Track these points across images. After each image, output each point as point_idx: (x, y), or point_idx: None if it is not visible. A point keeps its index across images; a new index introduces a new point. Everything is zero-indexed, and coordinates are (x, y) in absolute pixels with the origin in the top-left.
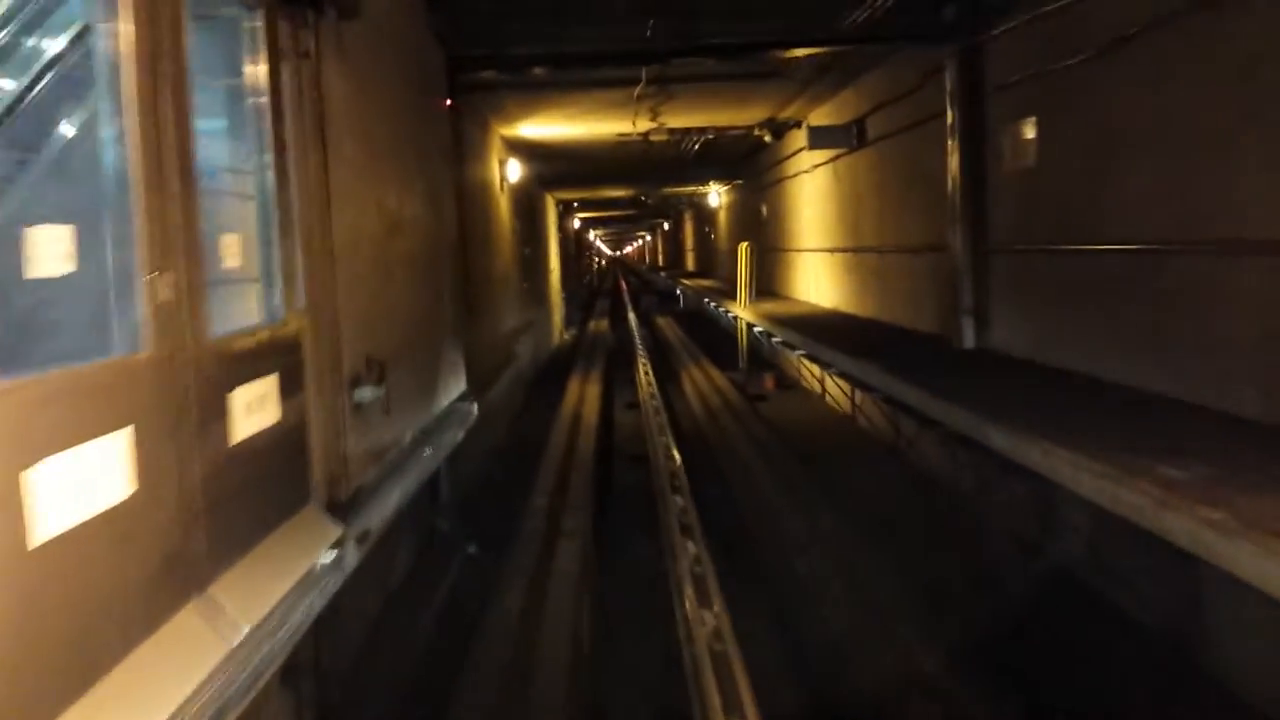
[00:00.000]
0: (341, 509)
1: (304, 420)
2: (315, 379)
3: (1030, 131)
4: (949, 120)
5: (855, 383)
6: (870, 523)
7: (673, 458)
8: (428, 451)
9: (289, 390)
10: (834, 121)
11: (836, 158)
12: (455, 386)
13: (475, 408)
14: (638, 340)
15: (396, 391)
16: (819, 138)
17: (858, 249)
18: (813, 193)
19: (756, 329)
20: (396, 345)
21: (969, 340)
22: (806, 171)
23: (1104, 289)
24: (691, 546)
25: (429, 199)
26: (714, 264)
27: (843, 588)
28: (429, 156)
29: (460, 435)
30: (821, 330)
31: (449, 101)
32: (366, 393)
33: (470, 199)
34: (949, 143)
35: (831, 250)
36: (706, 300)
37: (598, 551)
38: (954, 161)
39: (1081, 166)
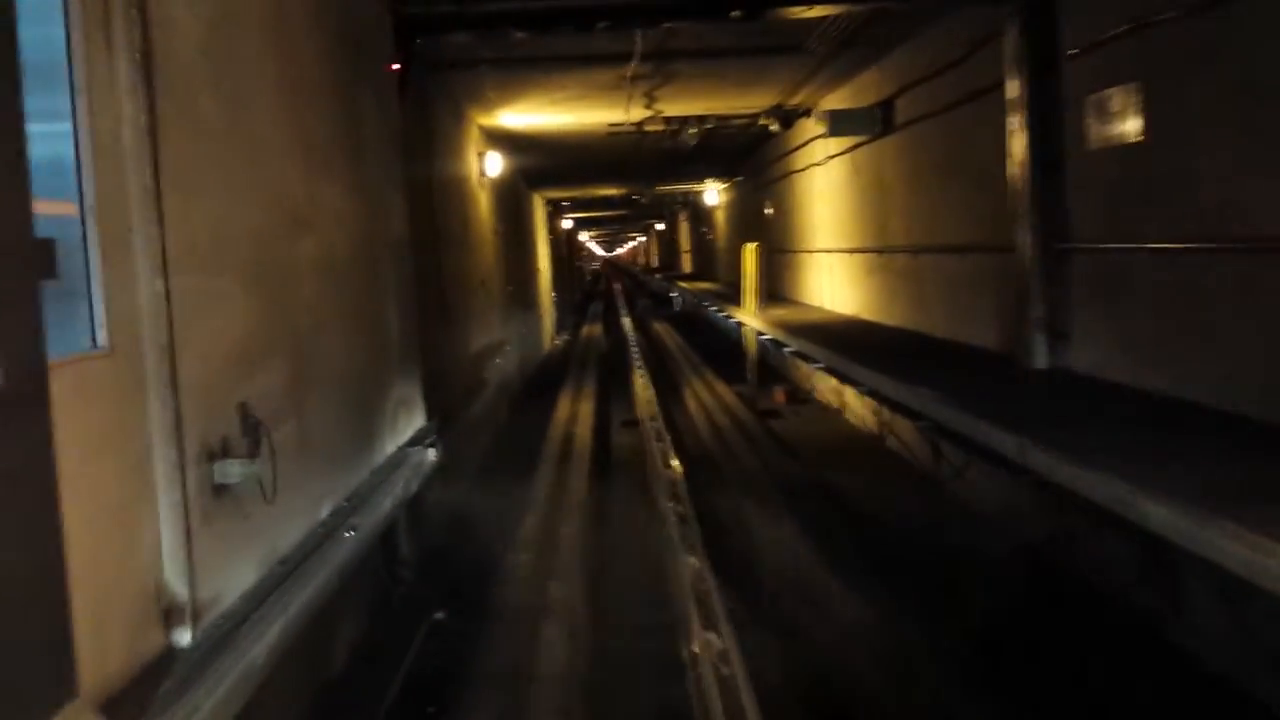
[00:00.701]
0: (152, 683)
1: (49, 555)
2: (110, 467)
3: (1130, 100)
4: (1010, 94)
5: (905, 412)
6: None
7: (681, 499)
8: (349, 534)
9: (11, 504)
10: (853, 106)
11: (855, 147)
12: (407, 425)
13: (432, 453)
14: (633, 346)
15: (297, 454)
16: (840, 123)
17: (883, 249)
18: (826, 187)
19: (764, 337)
20: (298, 387)
21: (1041, 359)
22: (819, 164)
23: (1263, 300)
24: (716, 639)
25: (363, 189)
26: (712, 266)
27: None
28: (364, 135)
29: (414, 487)
30: (848, 343)
31: (396, 66)
32: (233, 469)
33: (443, 195)
34: (1010, 121)
35: (851, 250)
36: (706, 304)
37: (592, 633)
38: (1017, 143)
39: (1225, 140)
